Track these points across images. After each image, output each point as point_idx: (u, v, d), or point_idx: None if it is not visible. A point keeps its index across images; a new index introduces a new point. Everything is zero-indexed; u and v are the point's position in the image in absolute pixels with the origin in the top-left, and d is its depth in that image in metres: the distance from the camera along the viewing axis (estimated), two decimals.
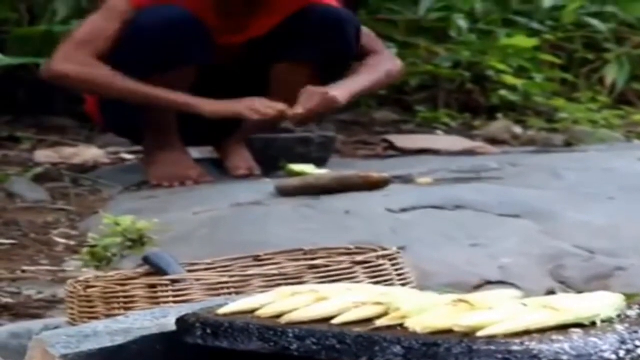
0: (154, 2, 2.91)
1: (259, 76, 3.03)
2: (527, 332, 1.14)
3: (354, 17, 3.08)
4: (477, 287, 2.02)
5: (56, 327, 1.58)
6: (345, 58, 3.04)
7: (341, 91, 2.92)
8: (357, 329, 1.20)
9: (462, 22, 4.78)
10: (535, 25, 5.02)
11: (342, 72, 3.07)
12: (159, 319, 1.36)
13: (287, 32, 3.00)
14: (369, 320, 1.23)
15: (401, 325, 1.20)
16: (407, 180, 2.75)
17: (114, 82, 2.85)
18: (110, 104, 3.06)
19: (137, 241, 1.98)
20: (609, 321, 1.18)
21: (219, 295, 1.56)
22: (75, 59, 2.86)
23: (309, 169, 2.79)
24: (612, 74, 4.94)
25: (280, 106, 2.84)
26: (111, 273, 1.76)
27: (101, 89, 2.90)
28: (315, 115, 2.92)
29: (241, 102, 2.86)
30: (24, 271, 2.31)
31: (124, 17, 2.89)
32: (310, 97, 2.86)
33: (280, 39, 3.00)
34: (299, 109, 2.85)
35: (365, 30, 3.15)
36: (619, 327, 1.16)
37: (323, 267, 1.63)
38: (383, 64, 3.10)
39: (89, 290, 1.65)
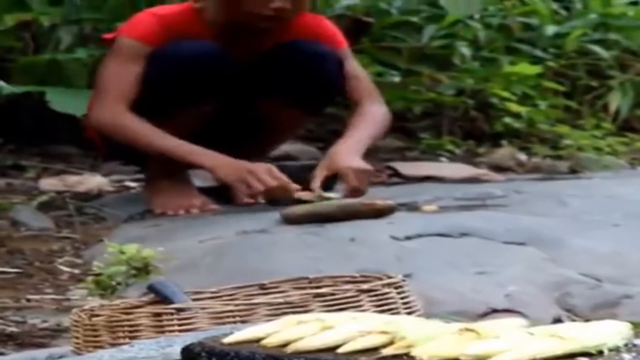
0: (163, 38, 2.92)
1: (246, 111, 3.06)
2: None
3: (335, 52, 3.04)
4: (483, 315, 2.01)
5: (61, 356, 1.58)
6: (327, 93, 3.06)
7: (354, 156, 2.89)
8: (363, 358, 1.20)
9: (465, 50, 4.79)
10: (538, 52, 5.03)
11: (327, 105, 3.12)
12: (164, 348, 1.36)
13: (272, 68, 3.01)
14: (375, 349, 1.22)
15: (407, 354, 1.20)
16: (412, 207, 2.75)
17: (150, 138, 2.88)
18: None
19: (142, 269, 1.98)
20: (616, 350, 1.18)
21: (224, 324, 1.56)
22: (111, 111, 2.90)
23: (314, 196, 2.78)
24: (616, 101, 4.94)
25: (284, 182, 2.82)
26: (116, 301, 1.76)
27: (138, 144, 2.91)
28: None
29: (251, 173, 2.84)
30: (28, 300, 2.31)
31: (141, 57, 2.91)
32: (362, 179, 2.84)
33: (265, 75, 3.02)
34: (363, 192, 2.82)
35: (359, 72, 3.12)
36: (626, 356, 1.16)
37: (329, 295, 1.62)
38: (379, 115, 3.05)
39: (94, 318, 1.64)
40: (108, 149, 3.15)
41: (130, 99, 2.90)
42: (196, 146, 2.88)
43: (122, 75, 2.92)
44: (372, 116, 3.02)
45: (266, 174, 2.82)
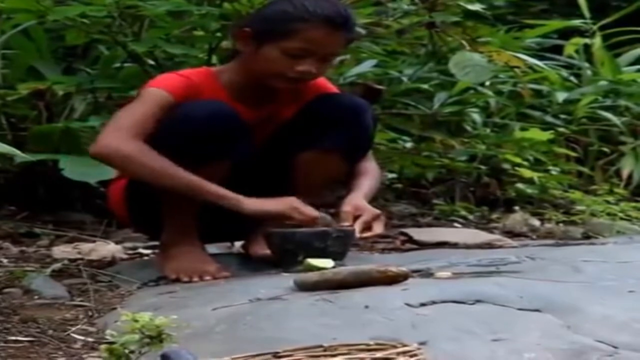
0: (186, 94, 2.94)
1: (280, 165, 3.07)
2: None
3: (370, 105, 3.14)
4: None
5: None
6: (367, 145, 3.11)
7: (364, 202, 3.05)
8: None
9: (476, 116, 4.82)
10: (549, 118, 5.05)
11: (362, 158, 3.11)
12: None
13: (308, 121, 3.04)
14: None
15: None
16: (425, 274, 2.74)
17: (162, 167, 2.87)
18: (136, 202, 3.07)
19: (156, 338, 1.97)
20: None
21: None
22: (124, 138, 2.88)
23: (327, 263, 2.78)
24: (629, 167, 4.95)
25: (315, 213, 2.93)
26: None
27: (148, 172, 2.89)
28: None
29: (282, 202, 2.90)
30: None
31: (162, 103, 2.93)
32: (378, 220, 3.01)
33: (301, 128, 3.04)
34: (377, 231, 3.01)
35: None
36: None
37: None
38: (377, 169, 3.21)
39: None
40: (129, 215, 3.15)
41: (143, 136, 2.89)
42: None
43: (140, 114, 2.93)
44: (373, 171, 3.16)
45: (303, 205, 2.92)
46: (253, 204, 2.89)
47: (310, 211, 2.92)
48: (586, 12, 5.56)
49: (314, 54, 2.96)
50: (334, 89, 3.23)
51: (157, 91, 2.96)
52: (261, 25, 2.98)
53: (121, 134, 2.89)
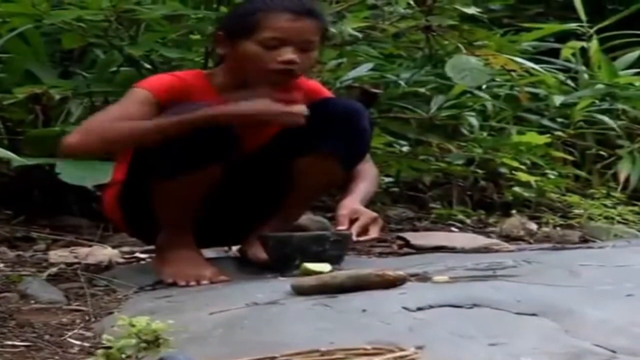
0: (173, 96, 2.94)
1: (277, 170, 3.06)
2: None
3: (366, 109, 3.15)
4: None
5: None
6: (364, 148, 3.11)
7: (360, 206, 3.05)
8: None
9: (473, 120, 4.81)
10: (546, 122, 5.05)
11: (360, 162, 3.11)
12: None
13: (305, 126, 3.03)
14: None
15: None
16: (423, 278, 2.73)
17: (131, 127, 2.88)
18: (131, 207, 3.07)
19: (152, 342, 1.96)
20: None
21: None
22: (90, 129, 2.91)
23: (324, 267, 2.78)
24: (625, 170, 4.95)
25: (293, 98, 2.94)
26: None
27: (120, 139, 2.91)
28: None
29: (257, 103, 2.90)
30: None
31: (140, 101, 2.94)
32: (375, 223, 3.01)
33: (298, 133, 3.04)
34: (373, 235, 3.01)
35: None
36: None
37: None
38: (374, 171, 3.21)
39: None
40: (123, 220, 3.14)
41: None
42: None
43: (112, 111, 2.96)
44: (370, 174, 3.16)
45: (274, 106, 2.90)
46: (227, 109, 2.87)
47: (281, 106, 2.90)
48: (582, 16, 5.56)
49: (289, 42, 2.97)
50: (327, 93, 3.23)
51: (138, 90, 2.99)
52: (230, 25, 3.04)
53: (85, 127, 2.93)
